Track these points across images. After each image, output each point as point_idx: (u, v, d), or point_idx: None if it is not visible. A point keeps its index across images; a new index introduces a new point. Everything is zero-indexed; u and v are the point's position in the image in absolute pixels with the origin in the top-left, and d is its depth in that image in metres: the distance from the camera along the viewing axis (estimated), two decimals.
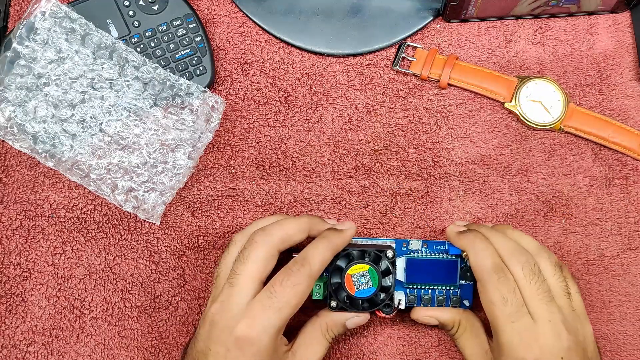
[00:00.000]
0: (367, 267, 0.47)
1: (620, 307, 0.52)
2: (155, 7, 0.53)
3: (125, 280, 0.52)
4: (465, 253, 0.47)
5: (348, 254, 0.47)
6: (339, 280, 0.47)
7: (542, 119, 0.54)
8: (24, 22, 0.50)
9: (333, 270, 0.47)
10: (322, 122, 0.55)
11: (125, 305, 0.52)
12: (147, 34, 0.53)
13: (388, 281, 0.47)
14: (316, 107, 0.55)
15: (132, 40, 0.53)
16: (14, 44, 0.50)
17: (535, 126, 0.54)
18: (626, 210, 0.54)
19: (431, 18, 0.56)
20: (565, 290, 0.45)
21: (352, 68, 0.56)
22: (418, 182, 0.54)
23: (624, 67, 0.56)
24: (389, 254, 0.48)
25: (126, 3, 0.53)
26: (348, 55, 0.56)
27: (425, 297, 0.49)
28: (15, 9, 0.55)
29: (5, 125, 0.50)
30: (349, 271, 0.47)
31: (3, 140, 0.53)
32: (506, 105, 0.55)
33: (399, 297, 0.49)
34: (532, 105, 0.54)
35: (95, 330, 0.51)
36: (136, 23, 0.53)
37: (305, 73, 0.55)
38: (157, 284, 0.52)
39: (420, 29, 0.56)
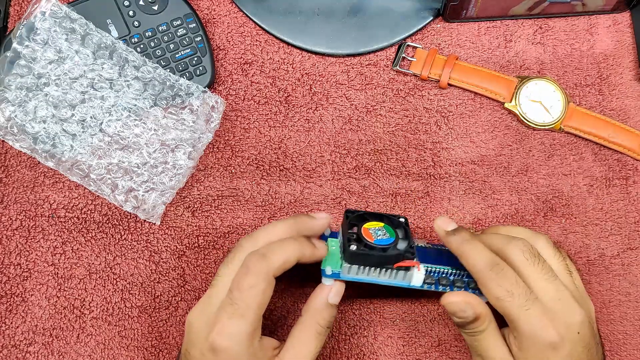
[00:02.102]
0: (382, 224, 0.44)
1: (621, 307, 0.52)
2: (155, 7, 0.53)
3: (126, 280, 0.52)
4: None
5: (362, 216, 0.45)
6: (355, 236, 0.43)
7: (542, 119, 0.54)
8: (24, 22, 0.50)
9: (348, 230, 0.44)
10: (322, 122, 0.55)
11: (125, 305, 0.52)
12: (147, 34, 0.53)
13: (404, 236, 0.44)
14: (316, 107, 0.55)
15: (132, 40, 0.53)
16: (14, 44, 0.50)
17: (535, 126, 0.54)
18: (626, 210, 0.54)
19: (431, 18, 0.56)
20: (567, 268, 0.45)
21: (352, 68, 0.56)
22: (418, 182, 0.54)
23: (624, 67, 0.56)
24: (401, 219, 0.45)
25: (126, 3, 0.53)
26: (348, 55, 0.56)
27: (443, 281, 0.45)
28: (15, 9, 0.55)
29: (5, 125, 0.51)
30: (365, 226, 0.44)
31: (3, 140, 0.53)
32: (506, 105, 0.55)
33: (420, 269, 0.44)
34: (532, 105, 0.54)
35: (95, 330, 0.51)
36: (136, 23, 0.53)
37: (305, 73, 0.55)
38: (157, 284, 0.52)
39: (420, 29, 0.56)
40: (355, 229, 0.44)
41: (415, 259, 0.44)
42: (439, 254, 0.47)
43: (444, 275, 0.45)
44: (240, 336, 0.40)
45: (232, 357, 0.41)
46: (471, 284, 0.45)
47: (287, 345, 0.44)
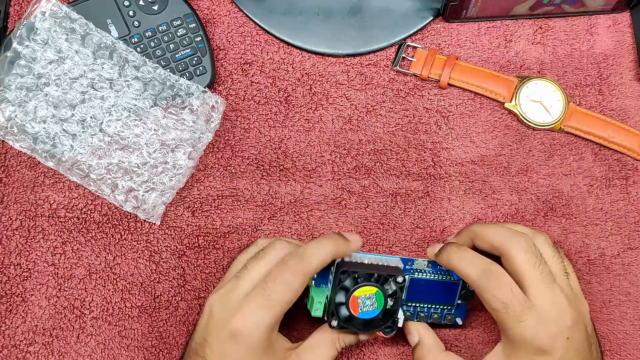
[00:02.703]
0: (374, 289, 0.45)
1: (621, 306, 0.52)
2: (155, 7, 0.53)
3: (126, 280, 0.52)
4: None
5: (355, 277, 0.45)
6: (343, 300, 0.45)
7: (542, 119, 0.54)
8: (24, 22, 0.50)
9: (338, 288, 0.45)
10: (322, 122, 0.55)
11: (125, 305, 0.52)
12: (147, 34, 0.53)
13: (393, 304, 0.46)
14: (316, 107, 0.55)
15: (132, 40, 0.53)
16: (14, 44, 0.50)
17: (535, 126, 0.54)
18: (626, 210, 0.54)
19: (431, 18, 0.56)
20: (564, 270, 0.46)
21: (352, 68, 0.56)
22: (418, 182, 0.54)
23: (624, 67, 0.56)
24: (399, 279, 0.46)
25: (126, 3, 0.53)
26: (348, 55, 0.56)
27: (421, 313, 0.49)
28: (15, 9, 0.55)
29: (5, 125, 0.50)
30: (356, 293, 0.45)
31: (3, 140, 0.53)
32: (506, 105, 0.55)
33: (399, 316, 0.47)
34: (532, 105, 0.54)
35: (95, 330, 0.51)
36: (136, 23, 0.53)
37: (305, 73, 0.55)
38: (157, 284, 0.52)
39: (420, 29, 0.56)
40: (342, 296, 0.45)
41: (390, 332, 0.47)
42: (431, 287, 0.49)
43: (422, 310, 0.49)
44: (263, 326, 0.42)
45: (250, 346, 0.42)
46: (447, 316, 0.50)
47: (306, 344, 0.46)
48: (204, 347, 0.43)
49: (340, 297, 0.45)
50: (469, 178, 0.54)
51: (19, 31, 0.50)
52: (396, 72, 0.56)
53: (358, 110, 0.55)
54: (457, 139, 0.55)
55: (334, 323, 0.45)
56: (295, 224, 0.53)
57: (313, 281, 0.46)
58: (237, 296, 0.43)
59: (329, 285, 0.46)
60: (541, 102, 0.54)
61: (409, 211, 0.54)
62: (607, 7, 0.55)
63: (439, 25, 0.56)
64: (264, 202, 0.53)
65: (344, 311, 0.45)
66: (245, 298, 0.42)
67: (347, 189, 0.54)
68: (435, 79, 0.55)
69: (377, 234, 0.53)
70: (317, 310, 0.46)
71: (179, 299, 0.52)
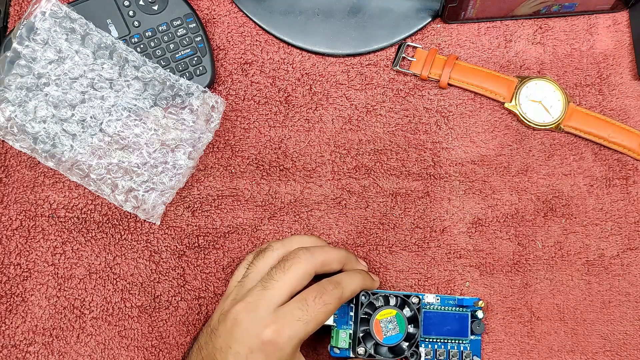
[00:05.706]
0: (394, 312, 0.47)
1: (620, 307, 0.52)
2: (155, 7, 0.53)
3: (126, 280, 0.52)
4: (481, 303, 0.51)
5: (372, 303, 0.48)
6: (367, 326, 0.47)
7: (542, 119, 0.54)
8: (24, 22, 0.50)
9: (361, 316, 0.47)
10: (322, 122, 0.55)
11: (125, 305, 0.52)
12: (147, 34, 0.53)
13: (414, 329, 0.48)
14: (316, 107, 0.55)
15: (132, 40, 0.53)
16: (14, 44, 0.50)
17: (535, 126, 0.54)
18: (626, 210, 0.54)
19: (431, 18, 0.56)
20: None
21: (352, 68, 0.56)
22: (418, 182, 0.54)
23: (623, 67, 0.56)
24: (414, 299, 0.48)
25: (126, 3, 0.53)
26: (348, 55, 0.56)
27: (439, 351, 0.50)
28: (15, 9, 0.55)
29: (5, 125, 0.51)
30: (377, 316, 0.47)
31: (3, 140, 0.53)
32: (506, 105, 0.55)
33: (421, 352, 0.49)
34: (532, 105, 0.54)
35: (95, 330, 0.51)
36: (136, 23, 0.53)
37: (305, 73, 0.55)
38: (157, 284, 0.52)
39: (420, 29, 0.56)
40: (366, 324, 0.48)
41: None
42: (444, 319, 0.50)
43: (440, 347, 0.50)
44: (296, 340, 0.43)
45: (280, 357, 0.42)
46: (464, 352, 0.50)
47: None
48: (227, 354, 0.43)
49: (364, 325, 0.47)
50: (469, 178, 0.54)
51: (19, 31, 0.50)
52: (396, 72, 0.56)
53: (358, 110, 0.55)
54: (457, 139, 0.55)
55: (361, 350, 0.47)
56: (295, 224, 0.53)
57: (335, 322, 0.48)
58: (266, 307, 0.43)
59: (350, 325, 0.48)
60: (541, 102, 0.54)
61: (409, 211, 0.54)
62: (606, 6, 0.55)
63: (438, 25, 0.56)
64: (264, 202, 0.53)
65: (369, 339, 0.47)
66: (279, 310, 0.43)
67: (347, 189, 0.54)
68: (435, 79, 0.55)
69: (377, 234, 0.53)
70: (342, 342, 0.48)
71: (179, 299, 0.52)
